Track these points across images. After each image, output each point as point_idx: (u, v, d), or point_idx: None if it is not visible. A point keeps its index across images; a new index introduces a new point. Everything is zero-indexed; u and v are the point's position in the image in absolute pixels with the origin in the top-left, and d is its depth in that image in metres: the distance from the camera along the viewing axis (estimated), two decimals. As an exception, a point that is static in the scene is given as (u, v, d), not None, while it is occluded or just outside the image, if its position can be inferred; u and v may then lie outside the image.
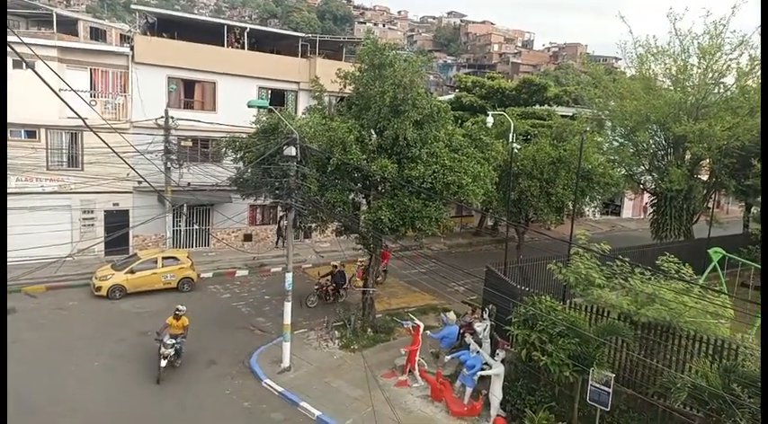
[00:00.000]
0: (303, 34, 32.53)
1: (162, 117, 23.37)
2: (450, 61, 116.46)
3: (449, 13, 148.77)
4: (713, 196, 29.39)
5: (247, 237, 27.73)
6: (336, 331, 16.88)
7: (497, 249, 29.44)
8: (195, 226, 26.36)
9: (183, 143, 24.78)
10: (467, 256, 28.52)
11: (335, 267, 20.50)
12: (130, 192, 23.70)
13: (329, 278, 20.27)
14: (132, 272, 19.90)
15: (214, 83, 25.98)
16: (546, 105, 36.50)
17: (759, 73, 24.49)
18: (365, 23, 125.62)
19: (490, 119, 22.54)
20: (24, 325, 16.39)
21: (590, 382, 10.94)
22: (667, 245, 21.99)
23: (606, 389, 10.69)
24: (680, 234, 25.59)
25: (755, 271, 19.64)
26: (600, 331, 11.65)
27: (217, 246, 26.59)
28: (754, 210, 29.45)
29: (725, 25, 23.93)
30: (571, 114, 32.62)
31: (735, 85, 24.78)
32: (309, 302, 19.45)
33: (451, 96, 40.97)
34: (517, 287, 14.37)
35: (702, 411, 9.80)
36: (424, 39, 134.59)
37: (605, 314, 12.64)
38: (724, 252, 18.63)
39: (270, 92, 27.57)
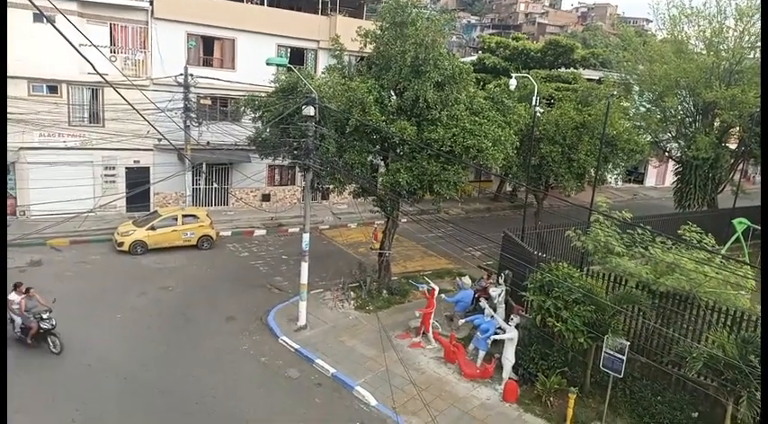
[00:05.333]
0: (323, -10, 31.69)
1: (181, 74, 23.24)
2: (473, 21, 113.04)
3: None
4: (741, 165, 28.58)
5: (266, 197, 27.88)
6: (352, 292, 17.08)
7: (515, 214, 29.20)
8: (214, 185, 26.54)
9: (202, 101, 24.71)
10: (484, 221, 28.40)
11: None
12: (151, 150, 23.85)
13: None
14: (153, 229, 20.22)
15: (233, 40, 25.63)
16: (572, 68, 35.44)
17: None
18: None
19: (513, 82, 22.00)
20: (50, 278, 16.88)
21: (604, 349, 10.95)
22: (690, 214, 21.59)
23: (620, 356, 10.69)
24: (704, 203, 25.10)
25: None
26: (617, 300, 11.58)
27: (235, 205, 26.82)
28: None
29: (766, -16, 22.68)
30: (598, 78, 31.62)
31: (772, 49, 23.68)
32: None
33: (474, 58, 39.95)
34: (534, 253, 14.29)
35: (717, 381, 9.78)
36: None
37: (623, 283, 12.55)
38: (749, 223, 18.25)
39: (289, 50, 27.14)
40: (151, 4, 23.49)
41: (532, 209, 24.04)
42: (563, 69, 35.01)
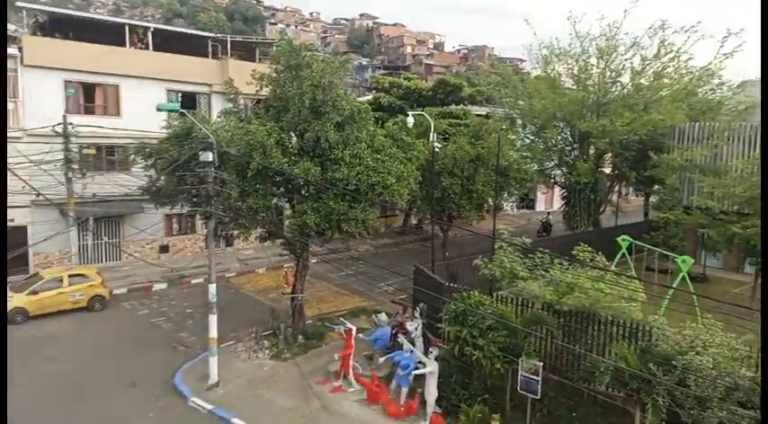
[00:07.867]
0: (213, 34, 31.29)
1: (60, 123, 21.54)
2: (365, 62, 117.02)
3: (361, 16, 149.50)
4: (617, 187, 31.58)
5: (164, 248, 26.23)
6: (266, 341, 16.32)
7: (423, 247, 29.87)
8: (104, 240, 24.54)
9: (85, 151, 22.97)
10: (394, 256, 28.70)
11: None
12: (28, 206, 21.60)
13: None
14: (35, 293, 18.16)
15: (117, 85, 24.35)
16: (461, 105, 37.57)
17: (650, 72, 26.63)
18: (276, 24, 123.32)
19: (410, 120, 22.80)
20: None
21: (520, 372, 11.30)
22: (580, 235, 23.33)
23: (535, 378, 11.07)
24: (589, 223, 27.27)
25: (659, 256, 21.30)
26: (526, 322, 12.07)
27: (130, 260, 24.91)
28: (653, 199, 31.93)
29: (618, 28, 25.76)
30: (485, 113, 33.80)
31: (630, 84, 26.75)
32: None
33: (369, 97, 41.07)
34: (446, 285, 14.59)
35: (623, 392, 10.41)
36: (337, 41, 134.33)
37: (530, 305, 13.13)
38: (631, 239, 20.03)
39: (180, 94, 26.23)
40: (20, 50, 21.73)
41: (439, 241, 24.75)
42: (453, 106, 37.01)
